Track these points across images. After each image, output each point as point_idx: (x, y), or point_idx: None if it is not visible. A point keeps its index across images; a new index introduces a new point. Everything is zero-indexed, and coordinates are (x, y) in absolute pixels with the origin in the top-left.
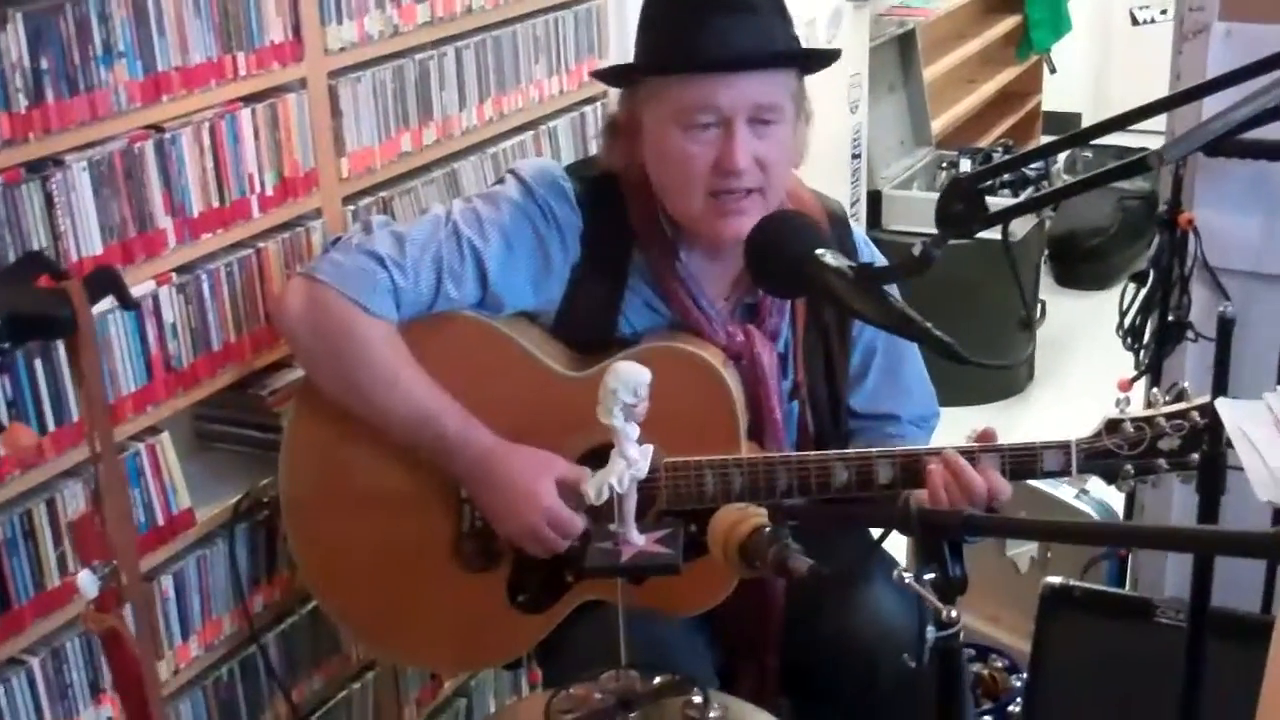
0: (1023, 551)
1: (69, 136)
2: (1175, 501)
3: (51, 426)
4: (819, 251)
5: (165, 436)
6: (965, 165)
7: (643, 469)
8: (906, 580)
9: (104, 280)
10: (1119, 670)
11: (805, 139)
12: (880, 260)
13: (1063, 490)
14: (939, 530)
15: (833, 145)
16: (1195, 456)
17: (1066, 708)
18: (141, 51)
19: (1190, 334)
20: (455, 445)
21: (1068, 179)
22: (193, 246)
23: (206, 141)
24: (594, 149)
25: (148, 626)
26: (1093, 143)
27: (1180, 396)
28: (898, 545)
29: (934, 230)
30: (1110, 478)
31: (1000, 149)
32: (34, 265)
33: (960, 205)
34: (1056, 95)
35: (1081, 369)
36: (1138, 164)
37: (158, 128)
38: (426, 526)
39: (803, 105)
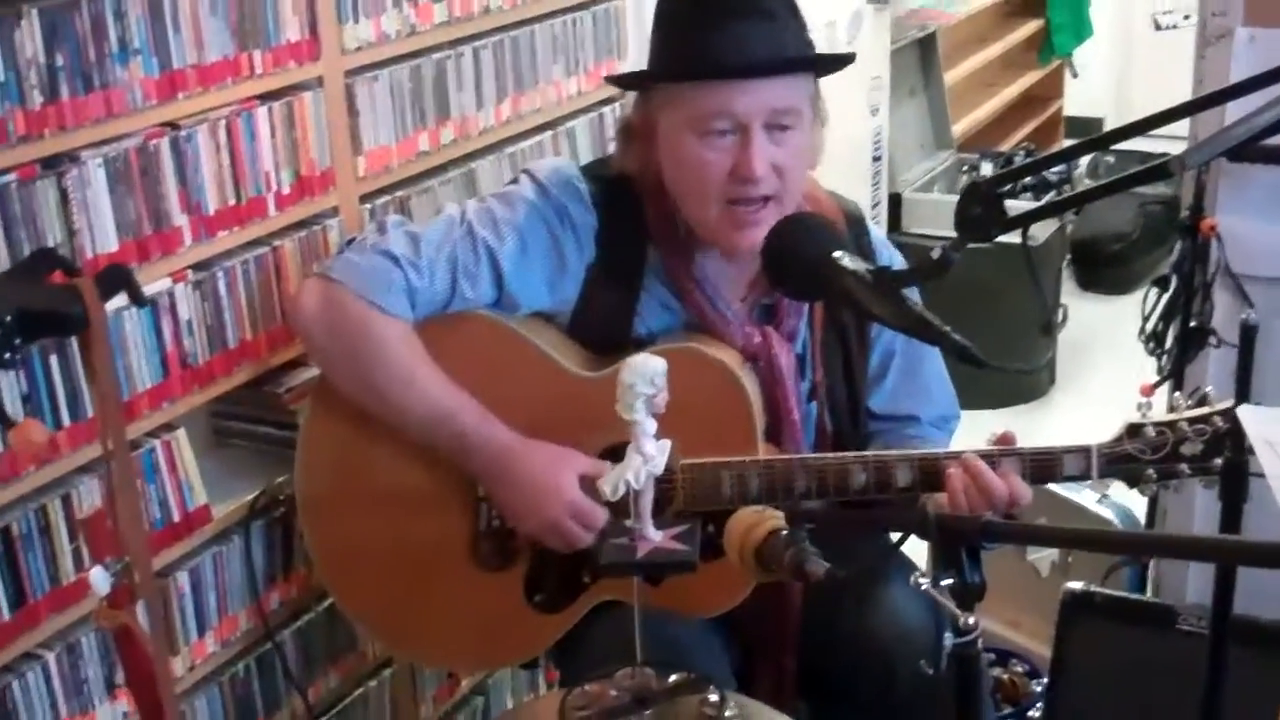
0: (1044, 556)
1: (84, 133)
2: (1198, 506)
3: (67, 422)
4: (836, 254)
5: (181, 433)
6: (986, 169)
7: (660, 464)
8: (924, 586)
9: (115, 277)
10: (1140, 677)
11: (821, 141)
12: (898, 260)
13: (1084, 495)
14: (957, 536)
15: (853, 148)
16: (1218, 461)
17: (1087, 714)
18: (157, 49)
19: (1213, 340)
20: (473, 443)
21: (1090, 184)
22: (209, 244)
23: (223, 139)
24: (612, 150)
25: (161, 623)
26: (1116, 148)
27: (1203, 401)
28: (917, 549)
29: (955, 234)
30: (1132, 482)
31: (1022, 152)
32: (46, 262)
33: (979, 209)
34: (1078, 100)
35: (1103, 374)
36: (1160, 169)
37: (173, 125)
38: (443, 525)
39: (819, 108)
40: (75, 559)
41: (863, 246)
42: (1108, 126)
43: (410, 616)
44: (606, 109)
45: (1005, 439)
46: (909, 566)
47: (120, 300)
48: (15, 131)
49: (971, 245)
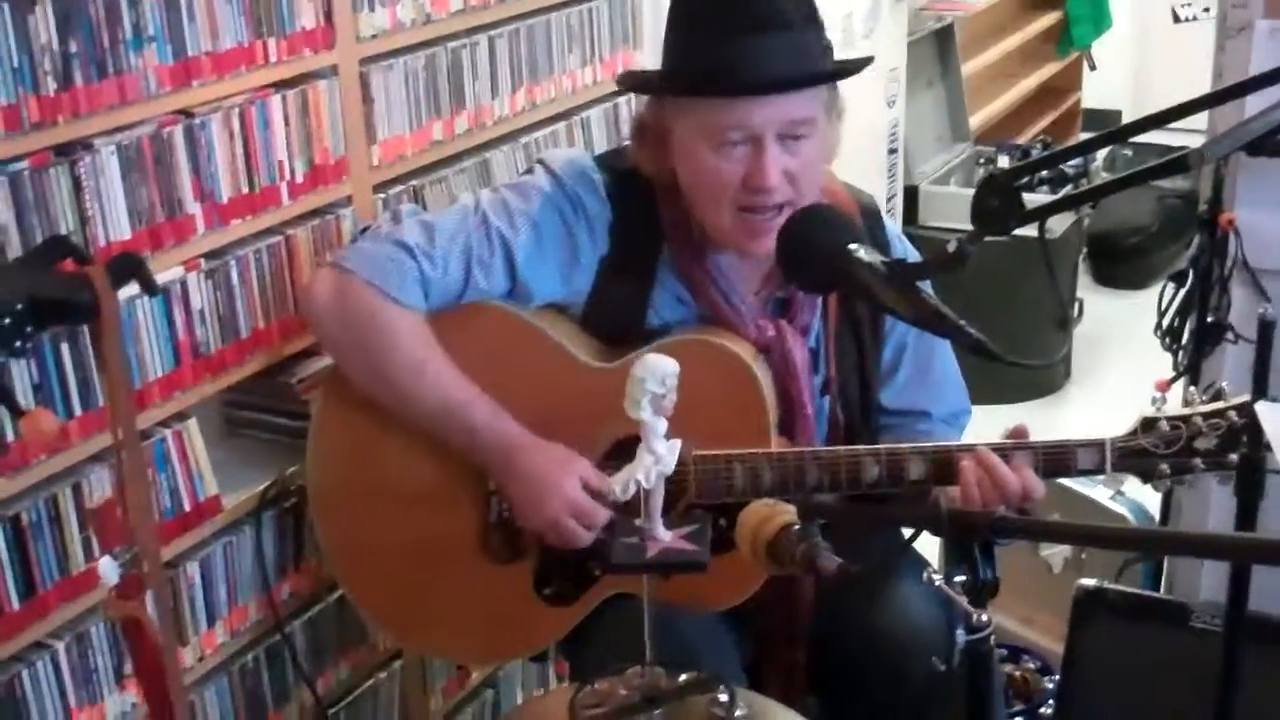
0: (1057, 552)
1: (98, 120)
2: (1213, 502)
3: (78, 411)
4: (851, 246)
5: (193, 423)
6: (1003, 161)
7: (670, 465)
8: (936, 583)
9: (126, 265)
10: (1153, 675)
11: (838, 135)
12: (913, 254)
13: (1098, 491)
14: (969, 531)
15: (870, 140)
16: (1233, 457)
17: (1099, 711)
18: (171, 36)
19: (1230, 335)
20: (484, 436)
21: (1107, 177)
22: (222, 233)
23: (236, 127)
24: (626, 141)
25: (169, 614)
26: (1134, 141)
27: (1218, 396)
28: (930, 544)
29: (971, 227)
30: (1146, 477)
31: (1039, 145)
32: (57, 249)
33: (996, 201)
34: (1096, 92)
35: (1119, 369)
36: (1178, 162)
37: (187, 113)
38: (453, 517)
39: (835, 106)
40: (85, 548)
41: (878, 239)
42: (1126, 120)
43: (419, 608)
44: (622, 99)
45: (1019, 433)
46: (921, 562)
47: (132, 289)
48: (29, 118)
49: (988, 238)
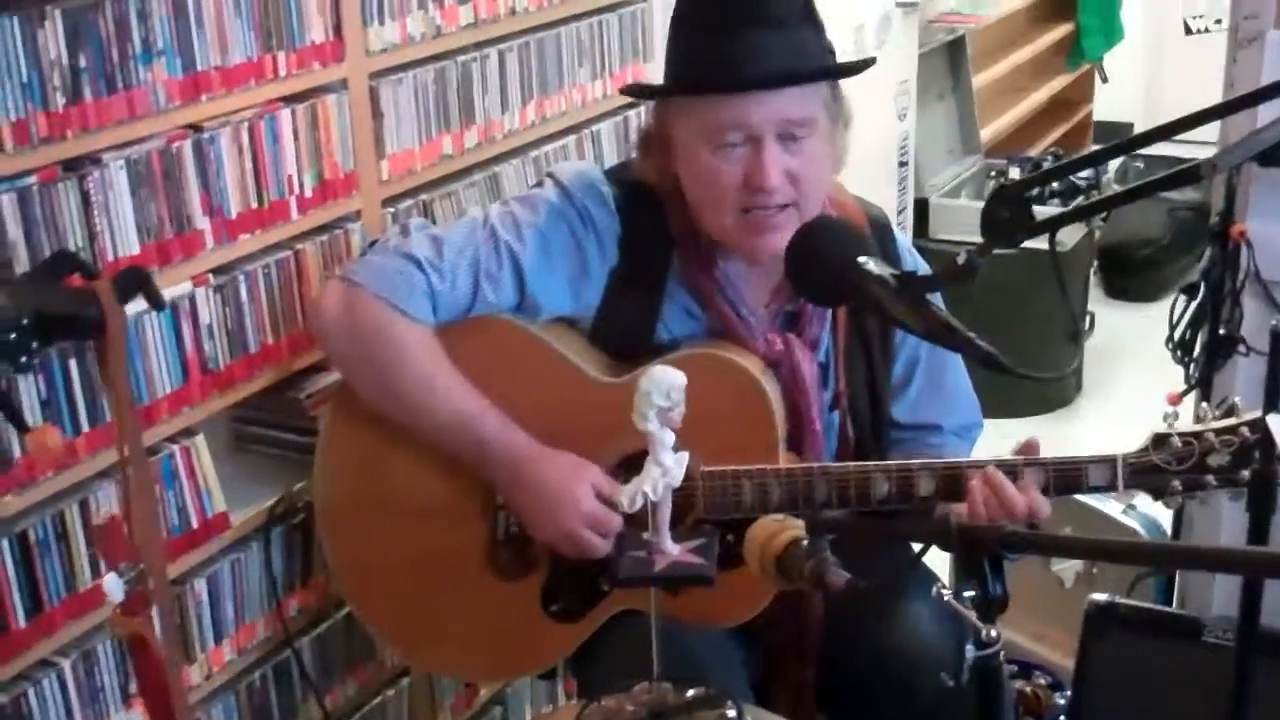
0: (1068, 567)
1: (106, 135)
2: (1225, 517)
3: (85, 427)
4: (861, 259)
5: (200, 439)
6: (1014, 174)
7: (677, 477)
8: (946, 598)
9: (133, 280)
10: (1165, 690)
11: (845, 144)
12: (923, 268)
13: (1110, 505)
14: (978, 546)
15: (880, 152)
16: (1245, 474)
17: None
18: (181, 50)
19: (1242, 348)
20: (493, 449)
21: (1118, 189)
22: (230, 248)
23: (245, 142)
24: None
25: (174, 631)
26: (1145, 152)
27: (1230, 411)
28: (939, 560)
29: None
30: (1157, 494)
31: (1050, 158)
32: (64, 264)
33: (1006, 213)
34: (1108, 104)
35: (1130, 382)
36: (1189, 173)
37: (196, 127)
38: (461, 533)
39: (840, 112)
40: (93, 566)
41: (888, 252)
42: (1137, 132)
43: (427, 625)
44: (631, 112)
45: (1029, 447)
46: (931, 578)
47: (140, 304)
48: (37, 133)
49: (998, 251)
